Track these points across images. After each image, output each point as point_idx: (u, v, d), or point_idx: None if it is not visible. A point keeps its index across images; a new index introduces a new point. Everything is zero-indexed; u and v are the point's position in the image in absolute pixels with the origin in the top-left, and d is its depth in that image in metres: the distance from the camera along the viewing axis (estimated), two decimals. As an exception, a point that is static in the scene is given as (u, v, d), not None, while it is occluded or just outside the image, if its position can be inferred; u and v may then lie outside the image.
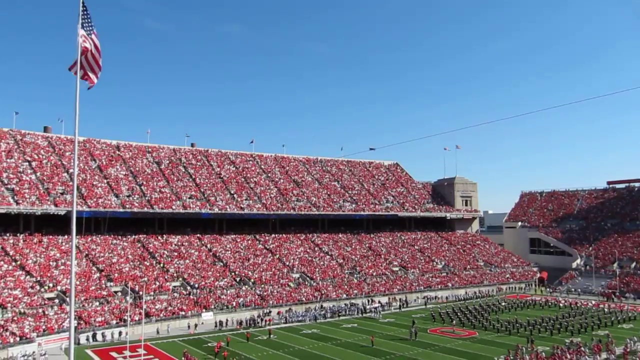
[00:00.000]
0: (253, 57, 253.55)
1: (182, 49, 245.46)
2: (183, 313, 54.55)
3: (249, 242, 77.81)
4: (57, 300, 51.15)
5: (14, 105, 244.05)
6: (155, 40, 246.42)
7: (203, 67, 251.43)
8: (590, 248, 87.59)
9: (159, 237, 71.23)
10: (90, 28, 16.26)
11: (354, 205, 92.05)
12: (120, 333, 47.41)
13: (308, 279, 69.72)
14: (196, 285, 60.76)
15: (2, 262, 54.03)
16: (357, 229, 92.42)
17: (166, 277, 61.06)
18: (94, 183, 70.42)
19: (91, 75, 16.33)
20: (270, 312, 58.84)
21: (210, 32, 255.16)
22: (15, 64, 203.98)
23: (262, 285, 64.52)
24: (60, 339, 44.62)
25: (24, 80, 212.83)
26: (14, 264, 54.64)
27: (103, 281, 56.34)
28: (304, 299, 63.95)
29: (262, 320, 55.78)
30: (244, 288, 63.18)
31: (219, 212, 76.39)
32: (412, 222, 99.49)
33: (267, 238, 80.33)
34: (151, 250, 67.10)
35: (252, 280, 65.31)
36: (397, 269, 79.66)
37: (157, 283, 58.90)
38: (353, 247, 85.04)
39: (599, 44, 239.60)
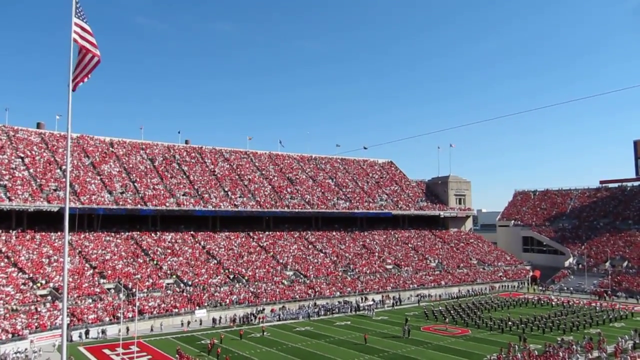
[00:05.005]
0: (245, 54, 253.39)
1: (175, 45, 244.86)
2: (176, 310, 54.45)
3: (243, 239, 77.75)
4: (49, 297, 50.92)
5: (6, 101, 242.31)
6: (148, 37, 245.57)
7: (196, 64, 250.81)
8: (583, 247, 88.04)
9: (153, 234, 71.04)
10: (84, 19, 16.08)
11: (348, 203, 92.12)
12: (119, 330, 47.23)
13: (302, 276, 69.75)
14: (189, 283, 60.66)
15: (-6, 259, 53.76)
16: (351, 227, 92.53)
17: (159, 274, 60.92)
18: (87, 179, 70.10)
19: (90, 46, 16.01)
20: (263, 309, 58.83)
21: (202, 29, 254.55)
22: (8, 59, 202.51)
23: (256, 283, 64.50)
24: (53, 336, 44.44)
25: (17, 76, 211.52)
26: (6, 260, 54.34)
27: (96, 278, 56.14)
28: (297, 296, 63.98)
29: (255, 317, 55.76)
30: (237, 285, 63.14)
31: (213, 209, 76.22)
32: (406, 220, 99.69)
33: (260, 235, 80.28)
34: (144, 247, 66.91)
35: (246, 277, 65.27)
36: (390, 267, 79.83)
37: (151, 280, 58.76)
38: (347, 245, 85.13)
39: (592, 43, 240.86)
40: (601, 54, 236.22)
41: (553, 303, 66.11)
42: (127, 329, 46.98)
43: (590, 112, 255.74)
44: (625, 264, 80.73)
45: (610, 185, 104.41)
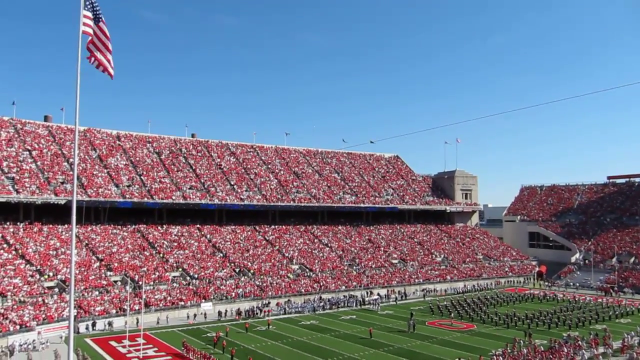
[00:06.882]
0: (252, 48, 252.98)
1: (181, 39, 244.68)
2: (182, 303, 54.73)
3: (249, 233, 77.94)
4: (56, 289, 51.31)
5: (14, 94, 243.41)
6: (154, 30, 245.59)
7: (203, 57, 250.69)
8: (590, 242, 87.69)
9: (159, 228, 71.32)
10: (98, 15, 16.01)
11: (354, 198, 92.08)
12: (126, 322, 47.50)
13: (307, 270, 69.87)
14: (196, 276, 60.92)
15: (2, 251, 54.14)
16: (356, 221, 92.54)
17: (166, 267, 61.21)
18: (94, 173, 70.40)
19: (101, 57, 15.99)
20: (269, 303, 59.03)
21: (208, 23, 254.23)
22: (16, 52, 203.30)
23: (261, 276, 64.68)
24: (60, 327, 44.79)
25: (25, 69, 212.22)
26: (14, 252, 54.74)
27: (103, 271, 56.48)
28: (303, 290, 64.14)
29: (261, 311, 55.99)
30: (243, 279, 63.36)
31: (219, 203, 76.43)
32: (412, 215, 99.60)
33: (266, 229, 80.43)
34: (151, 240, 67.21)
35: (252, 271, 65.48)
36: (396, 261, 79.83)
37: (157, 273, 59.06)
38: (352, 239, 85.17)
39: (599, 37, 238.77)
40: (610, 49, 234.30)
41: (559, 298, 65.94)
42: (137, 321, 47.28)
43: (598, 107, 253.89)
44: (632, 259, 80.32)
45: (618, 180, 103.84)
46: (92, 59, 15.95)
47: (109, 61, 16.19)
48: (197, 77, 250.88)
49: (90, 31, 15.88)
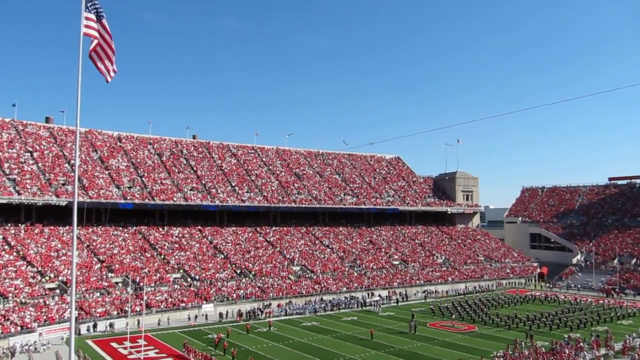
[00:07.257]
0: (252, 49, 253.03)
1: (183, 41, 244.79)
2: (183, 304, 54.74)
3: (250, 234, 77.95)
4: (58, 291, 51.34)
5: (15, 96, 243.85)
6: (155, 32, 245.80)
7: (204, 59, 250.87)
8: (591, 244, 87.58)
9: (160, 229, 71.35)
10: (100, 14, 15.93)
11: (355, 199, 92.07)
12: (127, 324, 47.52)
13: (308, 271, 69.86)
14: (197, 277, 60.94)
15: (3, 252, 54.18)
16: (358, 223, 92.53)
17: (167, 269, 61.23)
18: (95, 174, 70.45)
19: (102, 65, 15.94)
20: (270, 304, 59.02)
21: (209, 24, 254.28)
22: (17, 53, 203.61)
23: (263, 278, 64.68)
24: (61, 329, 44.81)
25: (26, 70, 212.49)
26: (15, 254, 54.79)
27: (104, 272, 56.51)
28: (304, 291, 64.12)
29: (262, 312, 55.97)
30: (244, 280, 63.35)
31: (220, 204, 76.47)
32: (413, 216, 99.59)
33: (267, 230, 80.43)
34: (152, 241, 67.24)
35: (253, 272, 65.47)
36: (397, 262, 79.80)
37: (158, 274, 59.07)
38: (354, 240, 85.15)
39: (600, 39, 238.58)
40: (611, 50, 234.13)
41: (560, 300, 65.86)
42: (138, 322, 47.30)
43: (600, 108, 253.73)
44: (633, 261, 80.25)
45: (619, 182, 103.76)
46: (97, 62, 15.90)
47: (108, 70, 16.11)
48: (198, 79, 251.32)
49: (94, 34, 15.78)
